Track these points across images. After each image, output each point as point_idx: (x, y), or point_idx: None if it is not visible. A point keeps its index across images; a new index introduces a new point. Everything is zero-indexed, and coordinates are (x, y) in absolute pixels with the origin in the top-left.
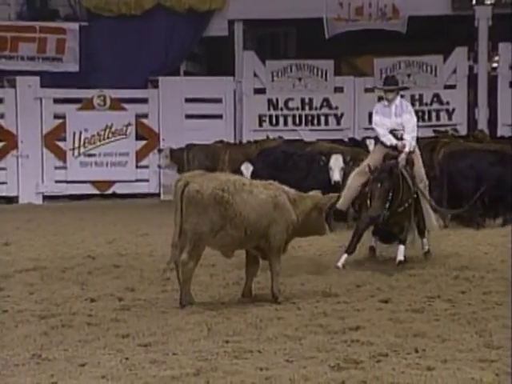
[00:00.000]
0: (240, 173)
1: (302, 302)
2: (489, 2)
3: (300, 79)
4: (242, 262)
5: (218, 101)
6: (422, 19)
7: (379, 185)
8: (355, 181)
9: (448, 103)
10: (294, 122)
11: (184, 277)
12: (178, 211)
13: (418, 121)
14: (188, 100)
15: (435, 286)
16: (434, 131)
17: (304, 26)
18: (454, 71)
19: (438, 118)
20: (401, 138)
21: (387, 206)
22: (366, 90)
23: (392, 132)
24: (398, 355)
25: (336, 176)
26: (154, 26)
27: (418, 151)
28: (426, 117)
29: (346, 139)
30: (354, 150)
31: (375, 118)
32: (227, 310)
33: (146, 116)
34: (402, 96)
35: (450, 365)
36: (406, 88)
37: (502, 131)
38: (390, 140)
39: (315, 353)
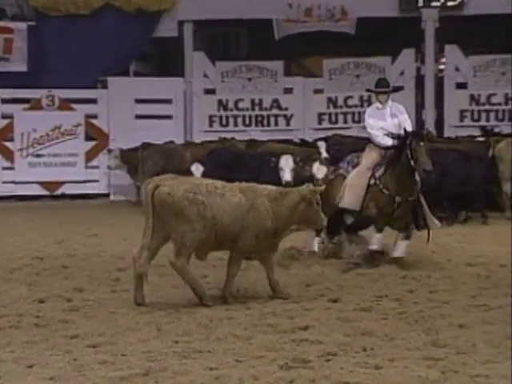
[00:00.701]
0: (190, 173)
1: (252, 301)
2: (435, 5)
3: (250, 80)
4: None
5: (168, 101)
6: (370, 21)
7: (422, 143)
8: (360, 178)
9: None
10: (244, 123)
11: (181, 275)
12: (150, 214)
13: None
14: (138, 100)
15: (383, 285)
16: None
17: (254, 26)
18: (402, 73)
19: None
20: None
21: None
22: (316, 91)
23: (388, 134)
24: (346, 354)
25: (287, 176)
26: (102, 25)
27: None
28: None
29: (296, 140)
30: (305, 150)
31: (368, 121)
32: (177, 310)
33: (95, 116)
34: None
35: (397, 363)
36: (398, 89)
37: (448, 132)
38: (387, 141)
39: (264, 352)
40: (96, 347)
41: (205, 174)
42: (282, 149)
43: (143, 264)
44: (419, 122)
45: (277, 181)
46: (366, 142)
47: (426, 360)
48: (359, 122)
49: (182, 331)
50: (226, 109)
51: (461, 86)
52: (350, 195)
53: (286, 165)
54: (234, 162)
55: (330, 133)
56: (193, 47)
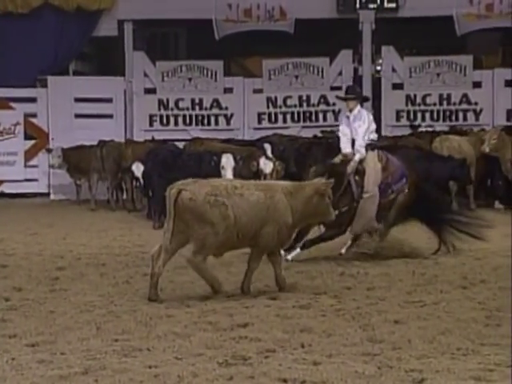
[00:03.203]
0: (131, 172)
1: (192, 299)
2: (372, 7)
3: (190, 79)
4: (132, 261)
5: (108, 100)
6: (309, 22)
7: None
8: None
9: (334, 104)
10: (184, 122)
11: (197, 270)
12: (171, 218)
13: (305, 121)
14: (77, 99)
15: (322, 283)
16: (322, 131)
17: (194, 26)
18: (340, 73)
19: (325, 119)
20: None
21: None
22: (255, 91)
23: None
24: (285, 351)
25: (229, 175)
26: (42, 24)
27: (371, 162)
28: (314, 118)
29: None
30: (246, 149)
31: (339, 127)
32: (117, 308)
33: (34, 115)
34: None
35: (334, 359)
36: (366, 99)
37: (385, 131)
38: (344, 148)
39: (204, 350)
40: (35, 346)
41: (145, 173)
42: (223, 148)
43: (160, 266)
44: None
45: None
46: (305, 140)
47: (363, 355)
48: (298, 121)
49: (121, 330)
50: (166, 108)
51: (397, 86)
52: None
53: (228, 163)
54: (173, 161)
55: (269, 132)
56: (133, 47)
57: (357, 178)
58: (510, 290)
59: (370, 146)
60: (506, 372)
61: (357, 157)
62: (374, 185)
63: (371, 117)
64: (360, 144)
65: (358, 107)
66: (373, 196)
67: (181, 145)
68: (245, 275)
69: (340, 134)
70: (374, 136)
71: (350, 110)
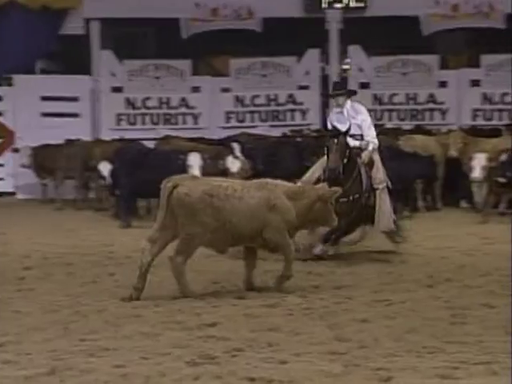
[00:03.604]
0: (98, 171)
1: (160, 299)
2: (338, 6)
3: (158, 78)
4: (99, 261)
5: (75, 99)
6: (276, 21)
7: (336, 140)
8: (310, 174)
9: (302, 103)
10: (152, 121)
11: (174, 272)
12: (163, 210)
13: (273, 120)
14: (44, 98)
15: (289, 282)
16: (291, 131)
17: (162, 25)
18: (307, 72)
19: (292, 118)
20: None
21: (345, 161)
22: (223, 90)
23: (351, 136)
24: (252, 350)
25: (196, 173)
26: (7, 23)
27: (377, 156)
28: (282, 117)
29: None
30: (213, 148)
31: (329, 123)
32: (84, 308)
33: (0, 114)
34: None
35: (302, 358)
36: (354, 92)
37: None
38: (351, 142)
39: (171, 349)
40: (0, 347)
41: (112, 172)
42: (190, 146)
43: (148, 258)
44: (324, 121)
45: None
46: (273, 139)
47: (330, 354)
48: (266, 120)
49: (88, 329)
50: (133, 107)
51: (364, 85)
52: None
53: (195, 162)
54: (140, 160)
55: (237, 131)
56: (100, 45)
57: (366, 168)
58: (510, 288)
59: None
60: (470, 370)
61: (370, 147)
62: (384, 176)
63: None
64: (372, 135)
65: (349, 102)
66: (385, 187)
67: (150, 144)
68: (284, 267)
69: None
70: None
71: (339, 106)
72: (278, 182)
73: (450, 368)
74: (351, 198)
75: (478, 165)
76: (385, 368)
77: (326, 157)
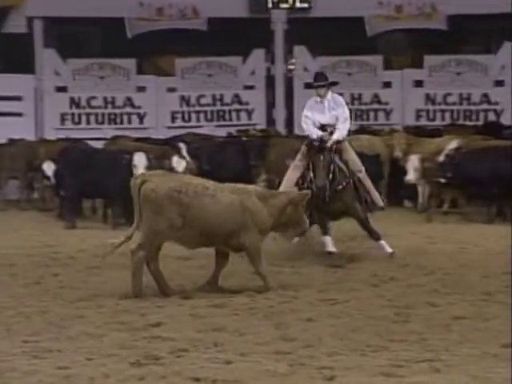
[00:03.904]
0: (42, 171)
1: (104, 299)
2: (284, 6)
3: (102, 78)
4: (43, 262)
5: (18, 98)
6: (222, 21)
7: (322, 157)
8: (291, 174)
9: (248, 103)
10: (96, 121)
11: (133, 267)
12: (137, 207)
13: (219, 120)
14: None
15: (235, 282)
16: (238, 131)
17: (107, 24)
18: (253, 72)
19: (238, 118)
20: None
21: (330, 177)
22: (169, 90)
23: (323, 127)
24: (197, 350)
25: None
26: None
27: (347, 144)
28: (227, 117)
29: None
30: (159, 148)
31: (305, 113)
32: (27, 309)
33: None
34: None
35: (247, 358)
36: (335, 83)
37: (298, 130)
38: (315, 133)
39: (116, 350)
40: None
41: (56, 172)
42: (135, 146)
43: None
44: (270, 121)
45: (129, 178)
46: (219, 139)
47: (275, 354)
48: (212, 120)
49: (32, 331)
50: (78, 106)
51: (309, 86)
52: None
53: (140, 162)
54: (85, 160)
55: (183, 131)
56: (43, 44)
57: (338, 157)
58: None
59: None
60: (414, 368)
61: (335, 135)
62: (358, 162)
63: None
64: (344, 127)
65: (330, 93)
66: (365, 176)
67: (96, 144)
68: (263, 281)
69: (307, 120)
70: None
71: (320, 96)
72: (250, 186)
73: (393, 366)
74: (344, 183)
75: (411, 167)
76: (329, 367)
77: (299, 162)
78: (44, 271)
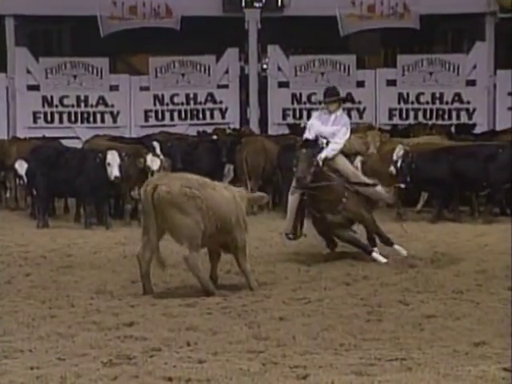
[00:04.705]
0: (14, 170)
1: (76, 299)
2: (257, 5)
3: (75, 76)
4: (14, 261)
5: None
6: (195, 20)
7: (304, 150)
8: (292, 201)
9: (221, 102)
10: (69, 120)
11: (193, 270)
12: (151, 214)
13: (193, 119)
14: None
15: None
16: (214, 129)
17: (79, 23)
18: (227, 71)
19: (212, 117)
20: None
21: (312, 170)
22: (142, 89)
23: (320, 137)
24: (170, 349)
25: (115, 171)
26: None
27: (340, 158)
28: (201, 115)
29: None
30: (132, 146)
31: (311, 121)
32: None
33: None
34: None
35: (220, 357)
36: (347, 99)
37: (272, 130)
38: (305, 135)
39: (88, 350)
40: None
41: (28, 171)
42: (107, 145)
43: (148, 264)
44: (244, 120)
45: (102, 176)
46: (193, 139)
47: (248, 353)
48: (186, 119)
49: (2, 331)
50: (50, 105)
51: (283, 85)
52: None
53: (114, 160)
54: (56, 159)
55: (156, 130)
56: (15, 42)
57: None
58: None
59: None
60: (385, 366)
61: (323, 154)
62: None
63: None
64: (334, 147)
65: (340, 110)
66: (359, 175)
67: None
68: (246, 278)
69: (309, 126)
70: None
71: (330, 112)
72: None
73: (365, 365)
74: (342, 201)
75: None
76: (302, 365)
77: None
78: (15, 271)
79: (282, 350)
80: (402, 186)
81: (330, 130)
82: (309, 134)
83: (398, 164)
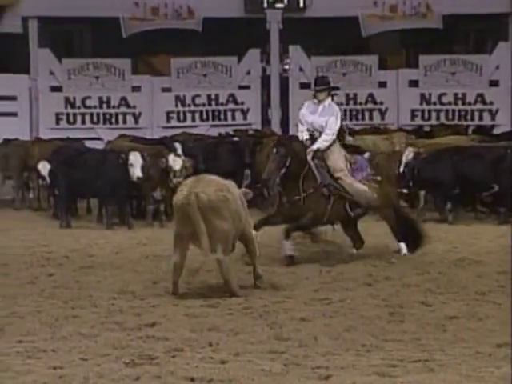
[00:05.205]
0: (37, 171)
1: (99, 299)
2: (279, 6)
3: (97, 78)
4: (36, 261)
5: (13, 98)
6: (217, 21)
7: (275, 151)
8: None
9: (243, 103)
10: (91, 121)
11: (225, 273)
12: (199, 221)
13: (214, 120)
14: None
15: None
16: (235, 131)
17: (100, 24)
18: (248, 72)
19: (233, 118)
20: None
21: (282, 172)
22: (164, 90)
23: (312, 132)
24: (192, 349)
25: (138, 172)
26: None
27: (336, 149)
28: (223, 116)
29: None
30: (154, 147)
31: (301, 111)
32: (21, 309)
33: None
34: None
35: (241, 357)
36: (337, 88)
37: (293, 130)
38: (301, 136)
39: (110, 350)
40: None
41: (51, 172)
42: (129, 146)
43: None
44: (265, 121)
45: (124, 177)
46: (213, 140)
47: (270, 353)
48: (207, 120)
49: (26, 331)
50: (73, 106)
51: (304, 85)
52: None
53: (136, 161)
54: (78, 160)
55: (178, 131)
56: (38, 44)
57: (316, 161)
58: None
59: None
60: (408, 367)
61: (315, 146)
62: (344, 167)
63: (340, 113)
64: (325, 138)
65: (329, 100)
66: (347, 174)
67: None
68: (254, 270)
69: (300, 120)
70: None
71: (319, 101)
72: None
73: (387, 366)
74: (306, 193)
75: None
76: (324, 366)
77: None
78: (38, 271)
79: (303, 350)
80: (405, 190)
81: (319, 122)
82: (302, 126)
83: (404, 167)
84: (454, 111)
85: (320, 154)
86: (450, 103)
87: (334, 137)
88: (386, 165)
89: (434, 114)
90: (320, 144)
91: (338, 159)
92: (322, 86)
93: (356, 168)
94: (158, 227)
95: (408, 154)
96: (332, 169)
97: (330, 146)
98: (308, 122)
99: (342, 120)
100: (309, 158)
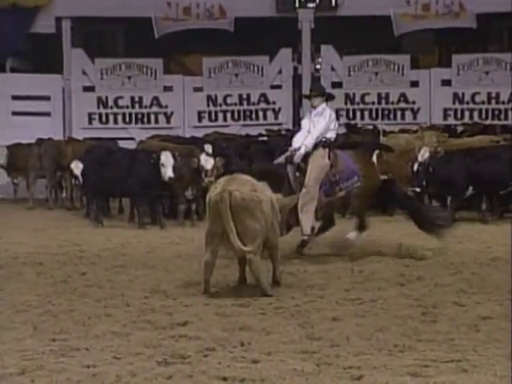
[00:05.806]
0: (70, 170)
1: (131, 298)
2: (311, 6)
3: (130, 77)
4: (69, 260)
5: (46, 98)
6: (248, 20)
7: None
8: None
9: (274, 103)
10: (124, 120)
11: (256, 272)
12: (230, 220)
13: (246, 120)
14: (15, 97)
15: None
16: (267, 130)
17: (133, 24)
18: (280, 71)
19: (265, 118)
20: None
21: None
22: (195, 89)
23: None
24: (224, 349)
25: (169, 172)
26: None
27: (319, 155)
28: (254, 116)
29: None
30: (185, 147)
31: (302, 121)
32: (54, 308)
33: None
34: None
35: (273, 357)
36: (331, 96)
37: None
38: (294, 142)
39: (142, 349)
40: None
41: (83, 171)
42: (161, 146)
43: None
44: (296, 121)
45: (156, 177)
46: (247, 140)
47: (302, 353)
48: (238, 119)
49: (59, 329)
50: (105, 106)
51: (336, 85)
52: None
53: (168, 161)
54: (110, 159)
55: (209, 130)
56: (71, 44)
57: (297, 174)
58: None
59: (322, 144)
60: (441, 367)
61: (302, 150)
62: (315, 182)
63: (334, 115)
64: (311, 139)
65: (323, 105)
66: (310, 194)
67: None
68: (273, 272)
69: (302, 127)
70: (333, 134)
71: (314, 107)
72: None
73: (420, 366)
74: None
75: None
76: (356, 366)
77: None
78: (71, 270)
79: (335, 350)
80: (417, 189)
81: (310, 125)
82: (301, 133)
83: (417, 167)
84: (487, 110)
85: (302, 165)
86: (483, 102)
87: (321, 137)
88: (397, 163)
89: (466, 114)
90: (304, 147)
91: (314, 172)
92: (315, 92)
93: (341, 177)
94: (189, 226)
95: (424, 153)
96: (307, 176)
97: (316, 149)
98: (303, 127)
99: (335, 122)
100: (295, 160)
